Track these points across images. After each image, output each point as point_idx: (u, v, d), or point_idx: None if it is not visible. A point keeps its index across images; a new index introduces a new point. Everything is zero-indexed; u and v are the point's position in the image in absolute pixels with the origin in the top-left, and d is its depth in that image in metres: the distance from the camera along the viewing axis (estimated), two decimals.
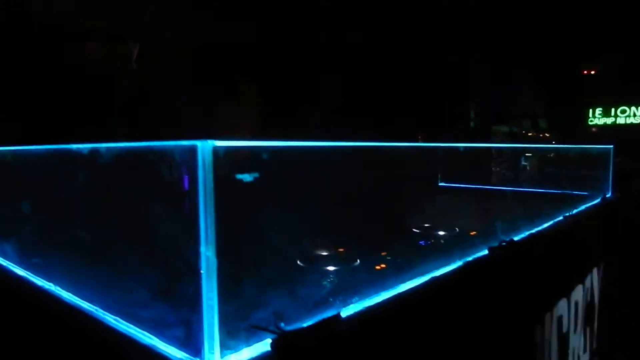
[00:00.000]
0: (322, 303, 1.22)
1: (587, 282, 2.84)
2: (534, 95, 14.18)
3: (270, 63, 7.06)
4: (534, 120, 14.67)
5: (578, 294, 2.67)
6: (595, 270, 2.96)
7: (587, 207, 2.95)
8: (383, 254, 2.71)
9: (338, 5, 7.88)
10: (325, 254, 2.46)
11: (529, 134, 14.43)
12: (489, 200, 4.02)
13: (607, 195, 3.47)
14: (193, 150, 0.73)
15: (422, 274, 1.46)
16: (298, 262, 2.32)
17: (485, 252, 1.66)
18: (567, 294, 2.44)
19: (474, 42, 9.94)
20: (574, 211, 2.65)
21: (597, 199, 3.30)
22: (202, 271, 0.81)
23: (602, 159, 3.83)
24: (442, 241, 2.96)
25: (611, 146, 3.58)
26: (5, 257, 1.86)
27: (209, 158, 0.73)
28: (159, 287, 1.12)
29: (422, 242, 2.98)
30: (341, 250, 2.69)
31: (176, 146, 0.79)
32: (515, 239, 1.88)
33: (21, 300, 1.58)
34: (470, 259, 1.63)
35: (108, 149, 1.09)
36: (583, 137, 14.37)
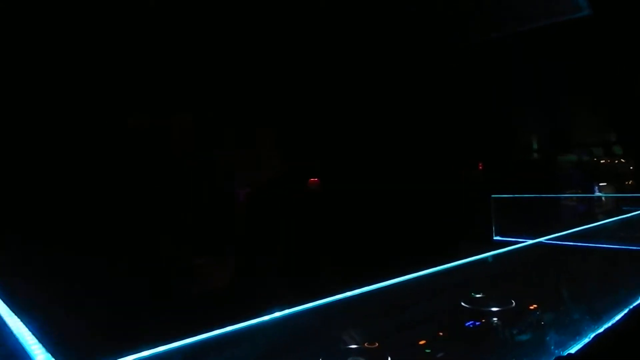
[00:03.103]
0: None
1: None
2: (603, 119, 13.13)
3: None
4: (606, 147, 13.52)
5: None
6: None
7: None
8: (421, 342, 2.39)
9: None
10: (354, 346, 2.21)
11: (602, 162, 13.28)
12: (549, 261, 3.59)
13: None
14: None
15: None
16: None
17: None
18: None
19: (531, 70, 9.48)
20: None
21: None
22: None
23: None
24: (494, 321, 2.59)
25: None
26: None
27: None
28: None
29: (469, 324, 2.62)
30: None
31: None
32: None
33: None
34: None
35: None
36: None
